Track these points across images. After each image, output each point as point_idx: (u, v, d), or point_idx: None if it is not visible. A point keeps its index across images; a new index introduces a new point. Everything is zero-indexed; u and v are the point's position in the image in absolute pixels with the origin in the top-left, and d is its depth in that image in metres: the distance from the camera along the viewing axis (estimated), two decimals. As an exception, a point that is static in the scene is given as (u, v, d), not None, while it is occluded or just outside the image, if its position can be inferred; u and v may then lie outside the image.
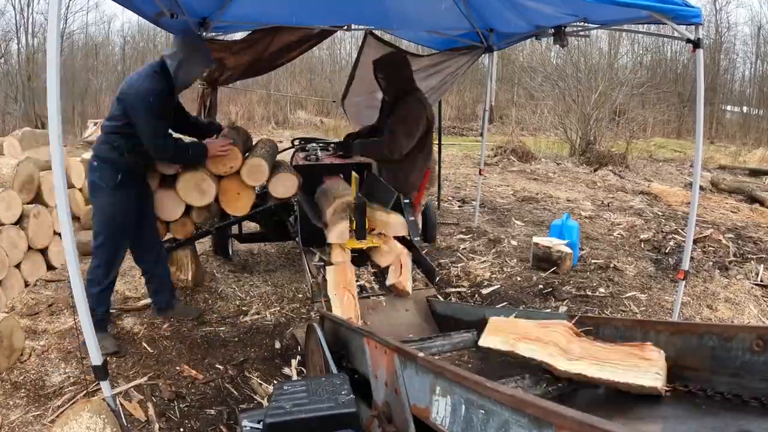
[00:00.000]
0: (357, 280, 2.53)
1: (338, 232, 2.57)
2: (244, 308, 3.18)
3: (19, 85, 12.69)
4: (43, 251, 3.47)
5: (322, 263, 2.64)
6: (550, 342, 1.43)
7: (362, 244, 2.63)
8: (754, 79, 17.48)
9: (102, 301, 2.59)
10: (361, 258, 2.66)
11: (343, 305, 2.24)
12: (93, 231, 2.59)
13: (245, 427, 1.60)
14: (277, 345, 2.77)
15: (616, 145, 9.90)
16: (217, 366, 2.55)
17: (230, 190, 3.05)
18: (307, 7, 3.37)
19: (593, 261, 4.13)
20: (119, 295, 3.21)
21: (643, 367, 1.21)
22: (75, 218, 3.87)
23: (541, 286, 3.63)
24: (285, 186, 2.99)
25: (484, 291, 3.55)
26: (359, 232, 2.64)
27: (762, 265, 4.03)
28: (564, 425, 0.77)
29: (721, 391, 1.13)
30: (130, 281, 3.42)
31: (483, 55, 4.54)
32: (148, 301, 3.08)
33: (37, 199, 3.51)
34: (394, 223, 2.68)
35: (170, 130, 2.63)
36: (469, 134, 13.70)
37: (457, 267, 3.97)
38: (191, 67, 2.59)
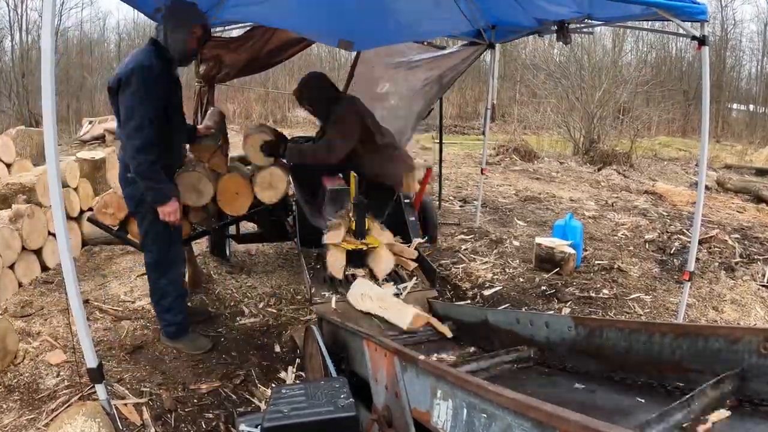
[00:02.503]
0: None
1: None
2: (241, 310, 3.15)
3: (12, 82, 12.64)
4: (38, 252, 3.45)
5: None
6: None
7: (362, 245, 2.61)
8: (760, 77, 17.40)
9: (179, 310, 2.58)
10: (360, 259, 2.63)
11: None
12: (145, 247, 2.52)
13: (243, 431, 1.57)
14: (276, 348, 2.74)
15: (620, 143, 9.84)
16: (214, 369, 2.52)
17: (228, 190, 3.02)
18: (303, 18, 3.30)
19: (597, 262, 4.08)
20: (114, 297, 3.19)
21: None
22: (70, 218, 3.84)
23: (543, 288, 3.59)
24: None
25: (486, 292, 3.51)
26: (358, 232, 2.61)
27: (769, 266, 3.98)
28: (568, 429, 0.76)
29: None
30: (126, 283, 3.40)
31: (485, 53, 4.50)
32: (144, 302, 3.06)
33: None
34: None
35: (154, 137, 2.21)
36: (470, 133, 13.65)
37: (459, 268, 3.93)
38: (182, 27, 2.29)
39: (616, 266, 3.99)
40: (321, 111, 3.14)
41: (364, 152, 3.07)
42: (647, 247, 4.52)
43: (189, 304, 2.95)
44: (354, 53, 4.39)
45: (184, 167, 2.97)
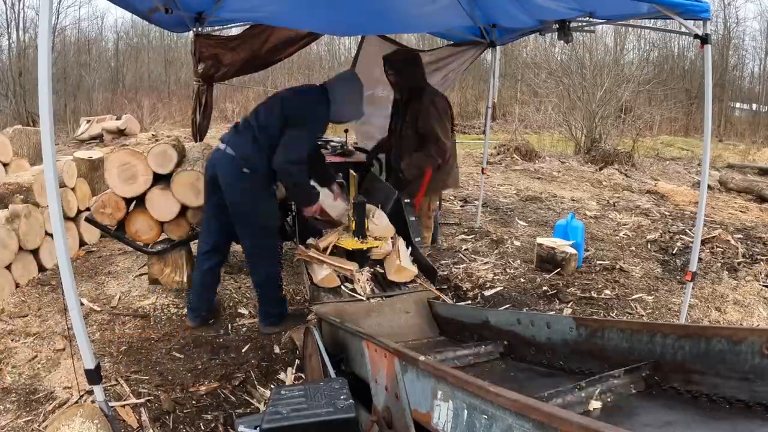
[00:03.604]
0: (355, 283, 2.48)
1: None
2: (240, 310, 3.14)
3: (9, 81, 12.48)
4: (35, 252, 3.43)
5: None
6: None
7: (362, 245, 2.59)
8: (763, 76, 17.35)
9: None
10: (360, 259, 2.61)
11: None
12: (255, 238, 2.67)
13: (241, 432, 1.56)
14: (275, 349, 2.73)
15: (622, 143, 9.81)
16: (212, 370, 2.51)
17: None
18: (303, 11, 3.29)
19: (599, 262, 4.07)
20: (112, 298, 3.17)
21: None
22: (67, 218, 3.82)
23: (545, 288, 3.57)
24: None
25: (487, 293, 3.50)
26: (359, 232, 2.59)
27: (772, 266, 3.95)
28: (569, 430, 0.75)
29: (729, 396, 1.12)
30: (124, 283, 3.38)
31: (486, 51, 4.48)
32: (144, 303, 3.05)
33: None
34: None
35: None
36: (471, 132, 13.63)
37: (459, 268, 3.91)
38: (349, 112, 2.70)
39: (617, 266, 3.97)
40: (401, 86, 3.12)
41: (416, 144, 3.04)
42: (649, 247, 4.49)
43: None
44: (353, 53, 4.38)
45: (182, 166, 2.96)
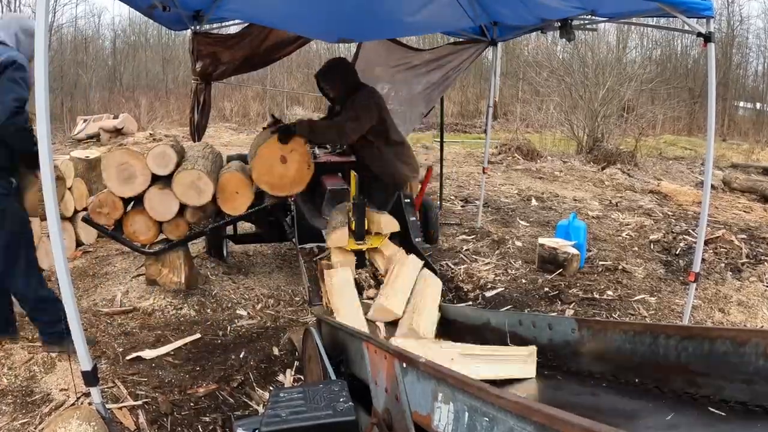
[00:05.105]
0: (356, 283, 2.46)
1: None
2: (239, 312, 3.12)
3: (6, 80, 12.58)
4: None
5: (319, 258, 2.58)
6: None
7: (362, 246, 2.58)
8: (767, 74, 17.22)
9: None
10: (360, 259, 2.60)
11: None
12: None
13: (239, 435, 1.54)
14: (274, 350, 2.71)
15: (625, 142, 9.77)
16: (211, 371, 2.49)
17: (228, 189, 3.00)
18: (301, 15, 3.26)
19: (601, 263, 4.04)
20: (110, 299, 3.15)
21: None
22: (64, 218, 3.78)
23: (546, 289, 3.55)
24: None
25: (488, 294, 3.48)
26: (359, 233, 2.58)
27: (776, 266, 3.92)
28: None
29: (733, 398, 1.11)
30: (123, 283, 3.37)
31: (487, 50, 4.46)
32: (144, 304, 3.03)
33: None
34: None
35: None
36: (472, 131, 13.60)
37: (460, 269, 3.89)
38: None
39: (620, 267, 3.94)
40: (341, 95, 3.07)
41: (375, 146, 3.02)
42: (652, 247, 4.47)
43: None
44: (353, 51, 4.37)
45: (182, 165, 2.94)
